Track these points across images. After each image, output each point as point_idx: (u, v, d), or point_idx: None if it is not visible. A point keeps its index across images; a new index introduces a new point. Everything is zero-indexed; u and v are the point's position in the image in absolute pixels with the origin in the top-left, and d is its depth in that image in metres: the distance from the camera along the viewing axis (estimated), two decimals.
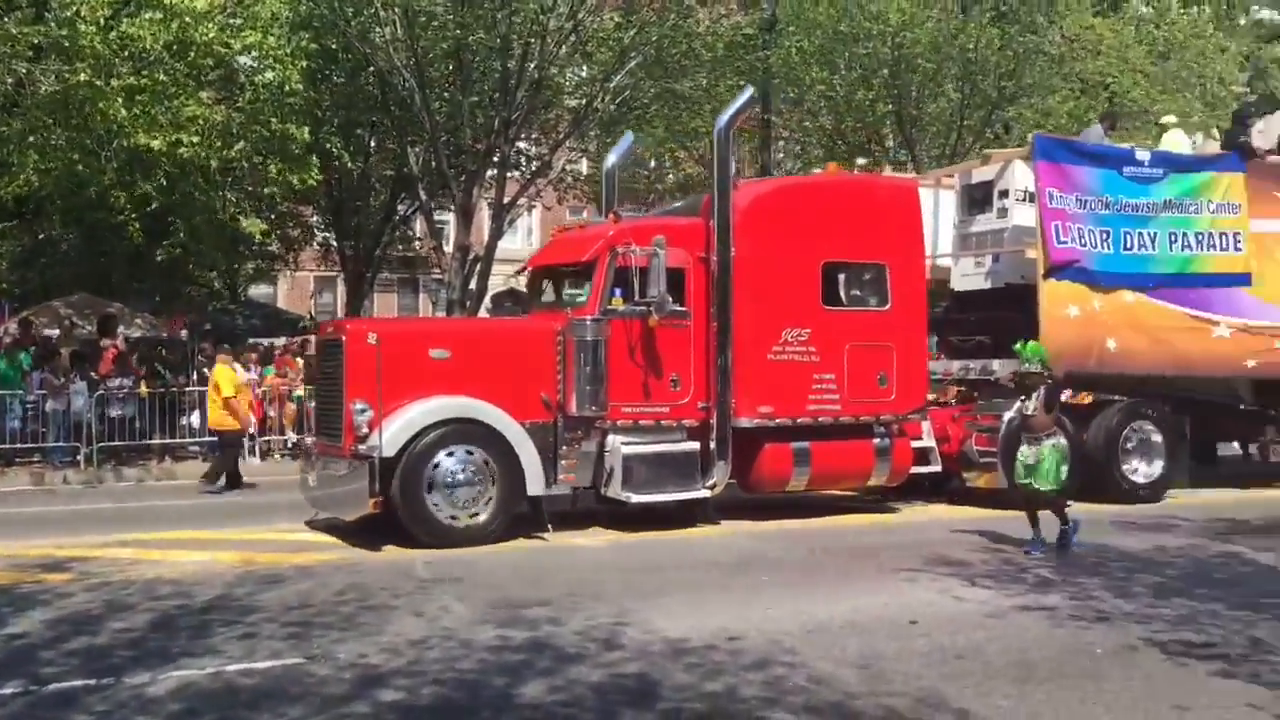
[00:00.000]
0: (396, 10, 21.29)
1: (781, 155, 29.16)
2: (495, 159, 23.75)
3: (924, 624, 7.52)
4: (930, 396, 14.05)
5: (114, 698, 5.95)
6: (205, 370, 17.55)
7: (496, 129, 22.88)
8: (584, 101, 24.21)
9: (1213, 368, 14.90)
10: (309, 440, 12.87)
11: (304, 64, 20.41)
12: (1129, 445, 14.23)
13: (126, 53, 18.06)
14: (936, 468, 13.51)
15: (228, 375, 15.57)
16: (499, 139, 23.07)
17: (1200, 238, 14.71)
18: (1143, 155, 14.79)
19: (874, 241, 12.77)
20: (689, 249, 11.86)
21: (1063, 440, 10.37)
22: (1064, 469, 10.27)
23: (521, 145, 26.33)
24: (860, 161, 15.26)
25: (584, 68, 24.45)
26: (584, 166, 29.70)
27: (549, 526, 11.11)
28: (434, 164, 24.14)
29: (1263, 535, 11.40)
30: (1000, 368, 13.88)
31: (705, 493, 11.79)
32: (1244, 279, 14.85)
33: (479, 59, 23.00)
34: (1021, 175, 14.35)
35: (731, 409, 11.83)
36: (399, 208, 29.80)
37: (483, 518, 10.74)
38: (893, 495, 13.71)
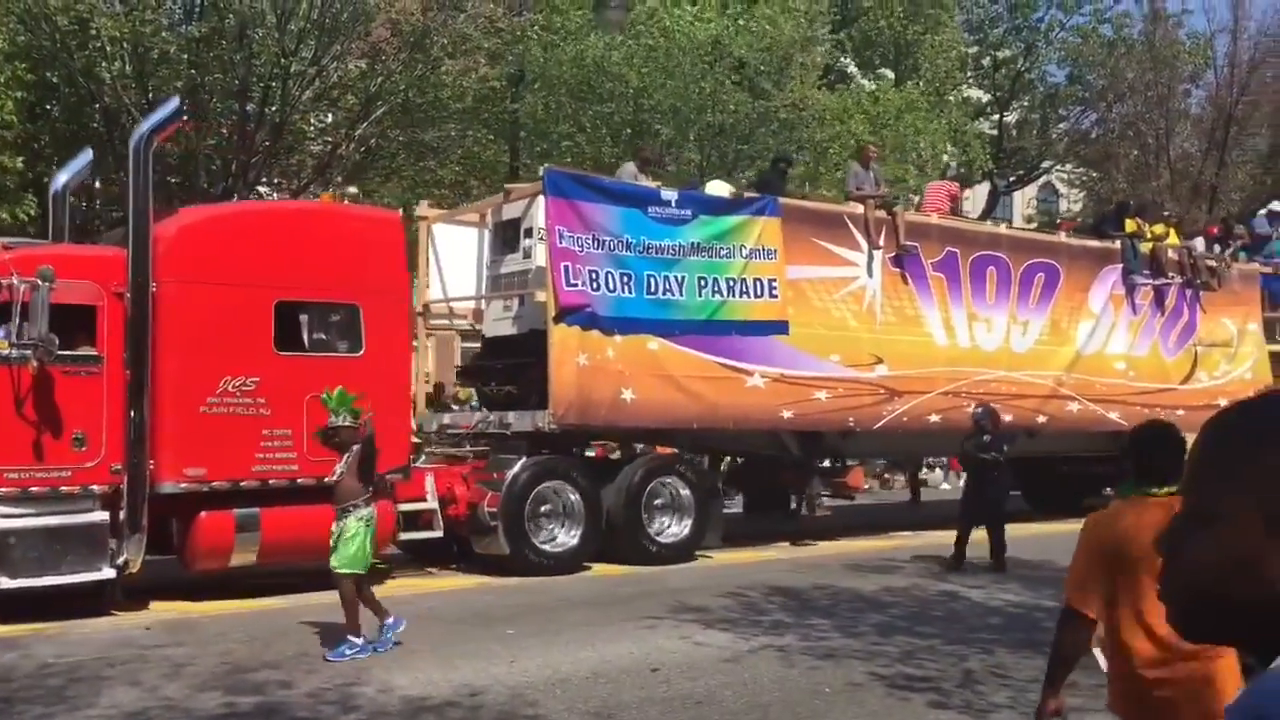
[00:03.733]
0: (125, 46, 20.25)
1: None
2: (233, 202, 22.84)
3: (665, 671, 7.63)
4: (453, 452, 13.40)
5: None
6: None
7: (235, 172, 22.05)
8: (328, 147, 23.68)
9: (746, 419, 14.08)
10: None
11: (19, 95, 19.06)
12: (656, 502, 13.35)
13: None
14: (437, 533, 12.23)
15: None
16: (237, 183, 22.22)
17: (732, 284, 14.03)
18: (669, 195, 13.99)
19: (344, 279, 11.36)
20: (103, 283, 10.05)
21: (371, 511, 8.40)
22: (369, 548, 8.39)
23: (262, 190, 25.46)
24: (351, 190, 14.47)
25: (328, 114, 23.95)
26: None
27: None
28: (168, 205, 22.96)
29: (977, 574, 12.23)
30: (517, 420, 13.08)
31: (111, 573, 9.81)
32: (780, 327, 14.28)
33: (216, 100, 22.15)
34: (544, 213, 13.18)
35: (148, 472, 9.96)
36: None
37: None
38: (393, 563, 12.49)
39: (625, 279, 13.26)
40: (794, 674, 7.60)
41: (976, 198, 38.43)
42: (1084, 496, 19.23)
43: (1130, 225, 18.55)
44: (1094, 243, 18.38)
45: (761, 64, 24.34)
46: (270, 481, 10.68)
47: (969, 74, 34.40)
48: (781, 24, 23.97)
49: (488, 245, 14.54)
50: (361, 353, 11.45)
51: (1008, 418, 16.07)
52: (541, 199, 13.18)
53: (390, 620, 8.40)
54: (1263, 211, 22.56)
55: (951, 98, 30.32)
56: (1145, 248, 18.39)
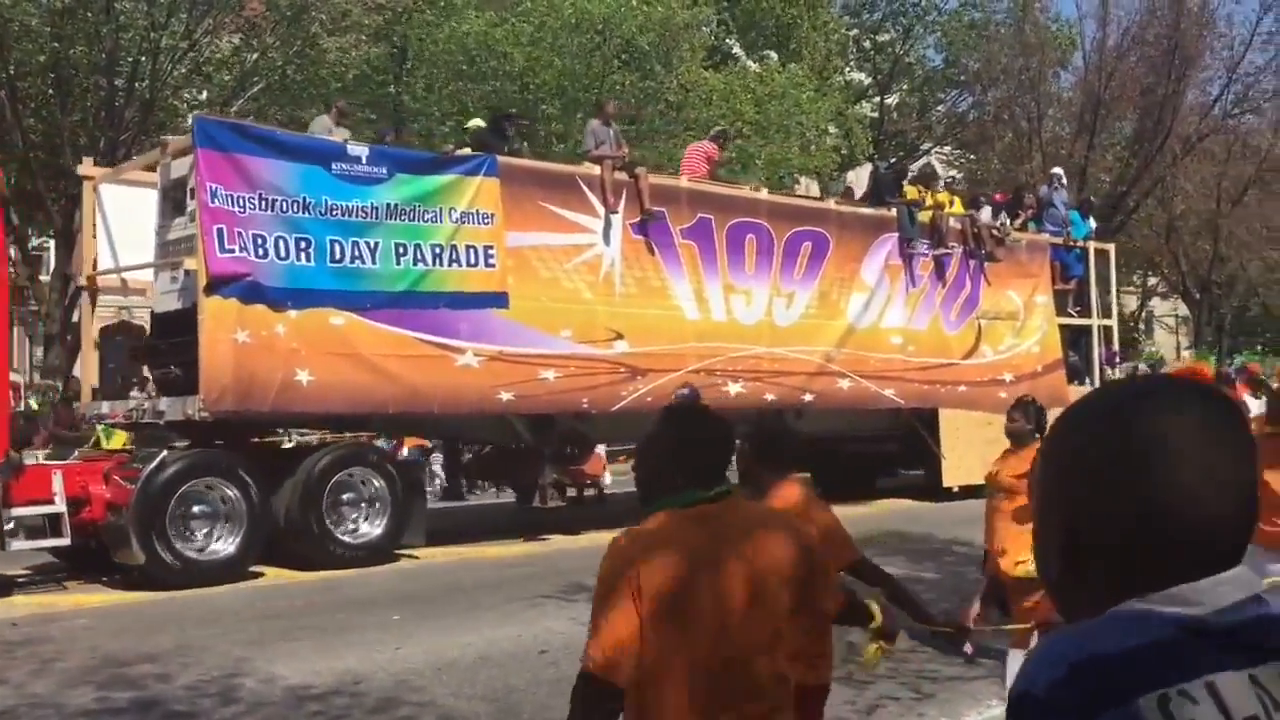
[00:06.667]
0: None
1: None
2: None
3: (553, 653, 7.61)
4: (118, 446, 12.03)
5: None
6: None
7: (102, 150, 21.25)
8: None
9: (455, 402, 12.59)
10: None
11: None
12: (345, 497, 11.80)
13: None
14: (64, 540, 10.51)
15: None
16: (105, 161, 21.43)
17: (439, 251, 12.54)
18: (359, 150, 12.38)
19: None
20: None
21: None
22: None
23: None
24: None
25: (202, 91, 23.24)
26: None
27: None
28: (29, 186, 22.06)
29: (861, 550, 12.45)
30: (170, 407, 11.50)
31: None
32: (498, 299, 12.91)
33: (81, 75, 21.31)
34: (195, 168, 11.46)
35: None
36: None
37: None
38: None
39: (301, 245, 11.65)
40: None
41: (860, 180, 39.11)
42: (873, 477, 18.61)
43: (911, 192, 17.62)
44: (867, 210, 17.31)
45: (649, 44, 24.33)
46: None
47: (850, 57, 34.96)
48: (670, 3, 23.97)
49: (157, 208, 12.62)
50: None
51: (770, 396, 15.22)
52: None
53: None
54: (1046, 183, 21.61)
55: (835, 80, 30.75)
56: (925, 216, 17.37)
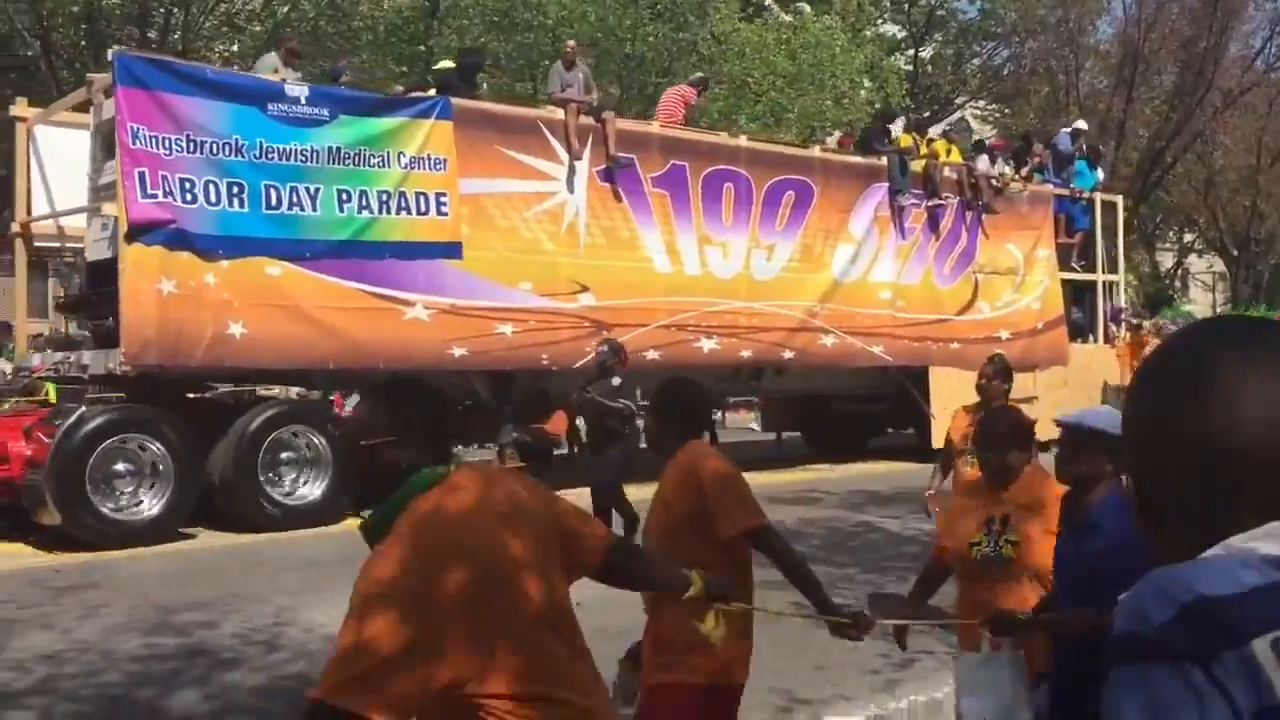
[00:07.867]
0: None
1: None
2: None
3: (585, 605, 7.64)
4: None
5: None
6: None
7: None
8: None
9: (403, 357, 11.70)
10: None
11: None
12: (284, 456, 11.15)
13: None
14: None
15: None
16: None
17: (386, 198, 11.89)
18: (298, 90, 11.58)
19: None
20: None
21: None
22: None
23: None
24: None
25: (234, 42, 23.25)
26: None
27: None
28: None
29: (891, 504, 12.47)
30: (93, 360, 11.02)
31: None
32: (452, 250, 12.31)
33: (113, 26, 21.35)
34: (116, 107, 10.75)
35: None
36: None
37: None
38: None
39: (234, 190, 10.99)
40: None
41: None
42: (865, 437, 18.36)
43: (905, 140, 16.87)
44: (856, 159, 16.52)
45: None
46: None
47: (885, 9, 34.49)
48: None
49: (90, 150, 11.88)
50: None
51: (746, 353, 14.71)
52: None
53: None
54: (1066, 130, 20.42)
55: (868, 32, 30.37)
56: (918, 165, 16.53)
